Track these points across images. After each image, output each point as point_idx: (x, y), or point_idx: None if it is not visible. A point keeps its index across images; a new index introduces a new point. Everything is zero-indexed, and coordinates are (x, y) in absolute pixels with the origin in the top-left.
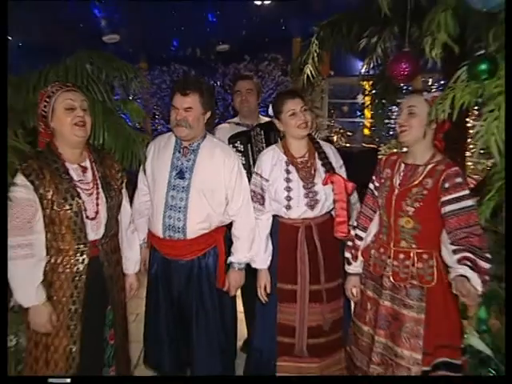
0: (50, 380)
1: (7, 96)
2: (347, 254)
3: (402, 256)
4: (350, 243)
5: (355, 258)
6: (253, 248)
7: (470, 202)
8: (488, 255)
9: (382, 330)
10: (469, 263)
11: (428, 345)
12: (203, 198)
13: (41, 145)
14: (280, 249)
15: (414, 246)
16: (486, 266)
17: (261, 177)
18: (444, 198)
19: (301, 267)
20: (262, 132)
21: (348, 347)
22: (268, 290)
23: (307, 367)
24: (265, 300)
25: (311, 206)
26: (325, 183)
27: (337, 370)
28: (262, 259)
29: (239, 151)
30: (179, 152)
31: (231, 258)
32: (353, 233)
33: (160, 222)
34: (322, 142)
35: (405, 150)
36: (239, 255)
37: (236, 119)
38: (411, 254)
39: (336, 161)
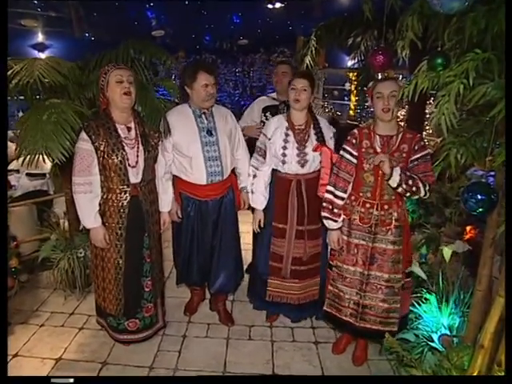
0: (53, 380)
1: (7, 95)
2: (326, 214)
3: (386, 207)
4: (326, 204)
5: (338, 216)
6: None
7: (428, 156)
8: (428, 187)
9: (372, 265)
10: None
11: (403, 265)
12: (227, 146)
13: (101, 111)
14: (276, 196)
15: (393, 197)
16: (422, 188)
17: (265, 136)
18: (414, 156)
19: (291, 212)
20: (285, 108)
21: (332, 287)
22: (261, 225)
23: (289, 285)
24: (257, 231)
25: (302, 165)
26: (314, 150)
27: (312, 289)
28: (260, 203)
29: (268, 119)
30: (200, 117)
31: (242, 185)
32: (331, 196)
33: (204, 172)
34: (319, 117)
35: (379, 124)
36: (246, 182)
37: (273, 94)
38: (392, 204)
39: (327, 133)
